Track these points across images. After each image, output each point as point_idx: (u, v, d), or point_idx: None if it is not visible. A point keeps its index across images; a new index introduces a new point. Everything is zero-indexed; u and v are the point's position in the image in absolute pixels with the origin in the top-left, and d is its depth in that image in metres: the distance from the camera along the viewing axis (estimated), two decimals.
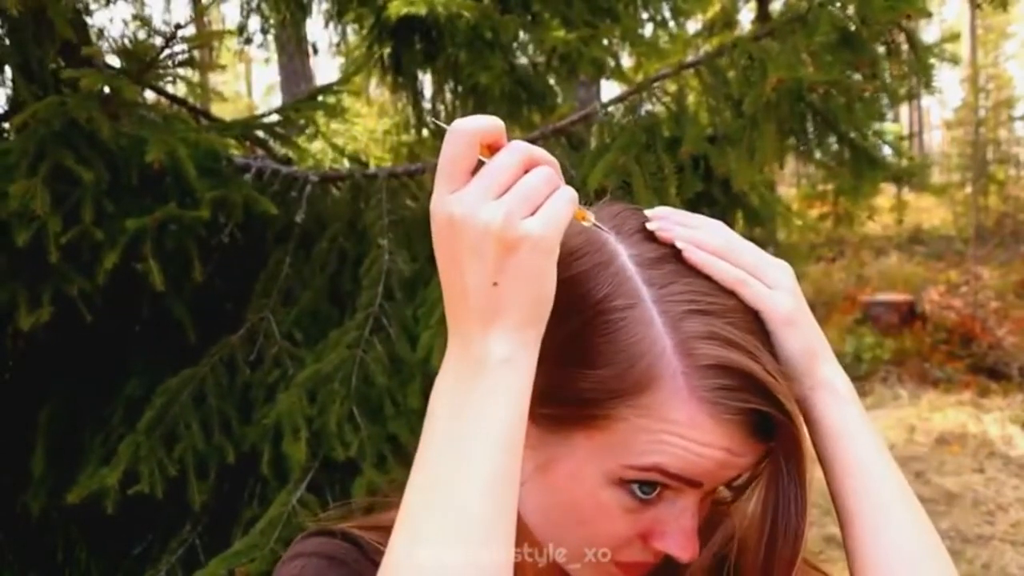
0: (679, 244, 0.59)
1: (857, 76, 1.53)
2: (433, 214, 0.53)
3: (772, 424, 0.56)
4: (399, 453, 1.53)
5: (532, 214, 0.52)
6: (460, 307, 0.53)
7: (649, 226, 0.60)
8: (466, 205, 0.51)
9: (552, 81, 2.95)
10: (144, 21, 1.89)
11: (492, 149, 0.54)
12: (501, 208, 0.51)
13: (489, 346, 0.52)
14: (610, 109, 1.80)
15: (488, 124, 0.53)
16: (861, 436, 0.62)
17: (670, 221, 0.61)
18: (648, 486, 0.56)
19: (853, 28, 1.49)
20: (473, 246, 0.51)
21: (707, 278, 0.58)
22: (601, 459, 0.56)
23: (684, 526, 0.58)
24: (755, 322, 0.59)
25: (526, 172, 0.53)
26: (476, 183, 0.52)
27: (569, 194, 0.54)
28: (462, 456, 0.51)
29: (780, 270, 0.62)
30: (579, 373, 0.56)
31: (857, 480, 0.61)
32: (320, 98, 2.12)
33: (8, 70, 1.82)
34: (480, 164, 0.53)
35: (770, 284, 0.60)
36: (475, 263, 0.51)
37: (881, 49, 1.54)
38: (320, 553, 0.64)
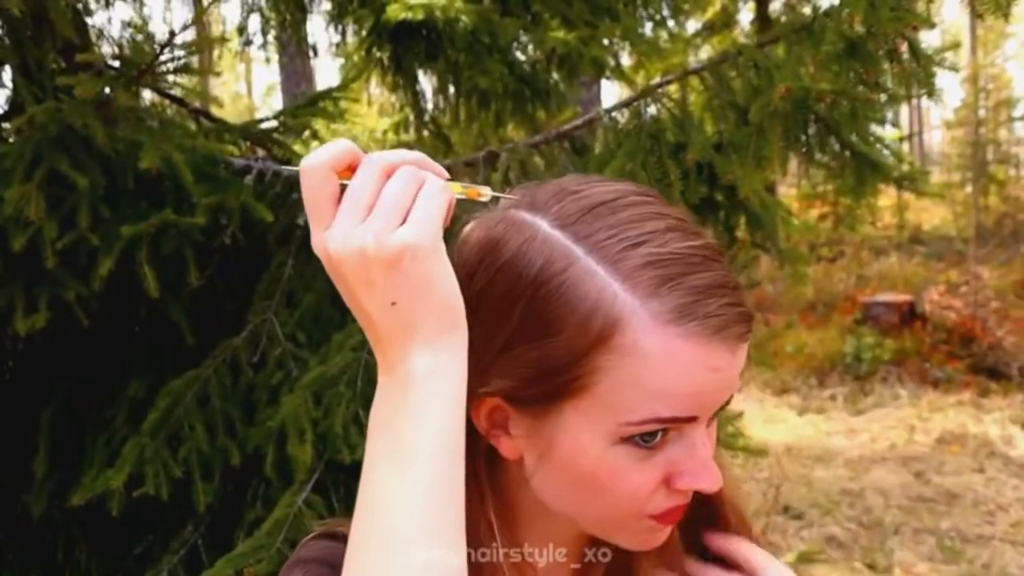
0: None
1: (861, 86, 1.53)
2: (318, 254, 0.53)
3: (739, 322, 0.56)
4: None
5: (404, 222, 0.51)
6: (372, 334, 0.53)
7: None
8: (337, 238, 0.51)
9: (552, 79, 2.95)
10: (139, 28, 1.89)
11: (352, 169, 0.53)
12: (368, 231, 0.50)
13: (410, 363, 0.52)
14: (614, 114, 1.80)
15: (337, 150, 0.53)
16: None
17: None
18: (649, 435, 0.56)
19: (859, 38, 1.49)
20: (357, 275, 0.51)
21: (630, 210, 0.57)
22: (596, 423, 0.56)
23: (700, 458, 0.58)
24: (689, 238, 0.57)
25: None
26: (341, 213, 0.52)
27: (436, 186, 0.53)
28: (401, 471, 0.51)
29: None
30: (545, 345, 0.56)
31: None
32: (319, 104, 2.12)
33: (7, 71, 1.82)
34: (344, 189, 0.52)
35: None
36: (366, 290, 0.51)
37: (884, 57, 1.54)
38: (321, 560, 0.64)
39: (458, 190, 0.56)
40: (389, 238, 0.50)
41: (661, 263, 0.55)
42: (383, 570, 0.49)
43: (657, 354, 0.54)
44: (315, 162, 0.52)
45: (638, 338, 0.54)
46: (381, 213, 0.51)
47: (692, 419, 0.57)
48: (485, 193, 0.58)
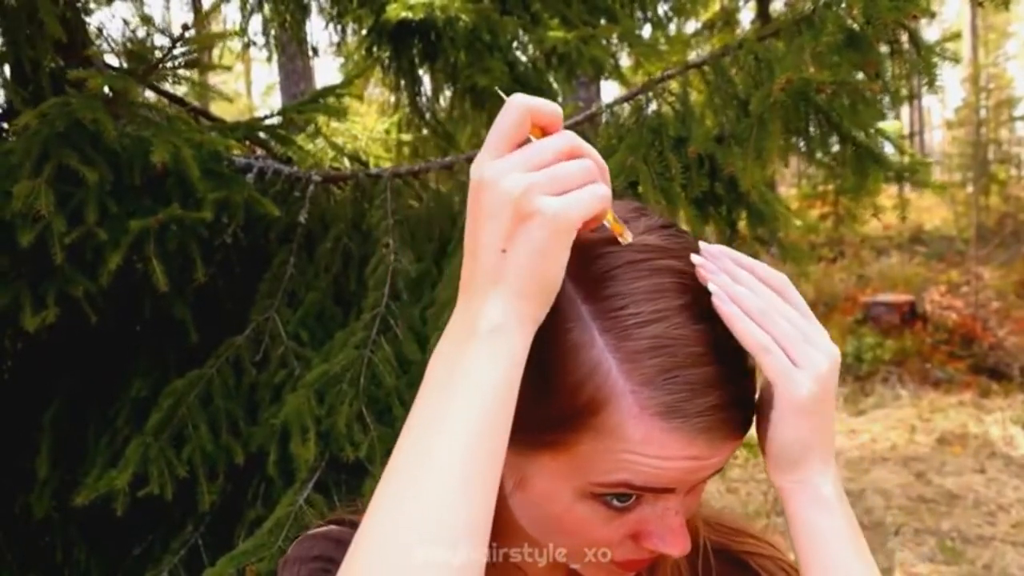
0: (711, 288, 0.56)
1: (861, 76, 1.53)
2: (471, 175, 0.54)
3: (729, 422, 0.55)
4: None
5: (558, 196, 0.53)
6: (469, 268, 0.54)
7: (694, 259, 0.58)
8: (497, 171, 0.52)
9: (551, 79, 2.96)
10: (147, 20, 1.88)
11: (544, 133, 0.55)
12: (525, 180, 0.51)
13: (485, 311, 0.53)
14: (615, 109, 1.80)
15: (544, 105, 0.54)
16: (838, 544, 0.58)
17: (719, 262, 0.58)
18: (622, 497, 0.56)
19: (859, 28, 1.49)
20: (492, 209, 0.52)
21: (653, 278, 0.56)
22: (569, 478, 0.56)
23: (670, 524, 0.58)
24: (705, 319, 0.56)
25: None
26: (515, 155, 0.53)
27: (601, 191, 0.54)
28: (444, 416, 0.52)
29: (818, 349, 0.57)
30: (533, 402, 0.56)
31: None
32: (322, 101, 2.11)
33: (6, 70, 1.81)
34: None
35: (797, 360, 0.56)
36: (490, 226, 0.52)
37: (885, 49, 1.54)
38: (322, 557, 0.65)
39: (609, 217, 0.57)
40: (536, 196, 0.51)
41: (664, 350, 0.54)
42: (417, 488, 0.50)
43: (638, 440, 0.54)
44: (522, 101, 0.53)
45: (622, 421, 0.54)
46: (547, 175, 0.52)
47: (668, 491, 0.57)
48: (627, 238, 0.57)
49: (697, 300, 0.56)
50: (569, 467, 0.56)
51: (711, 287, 0.56)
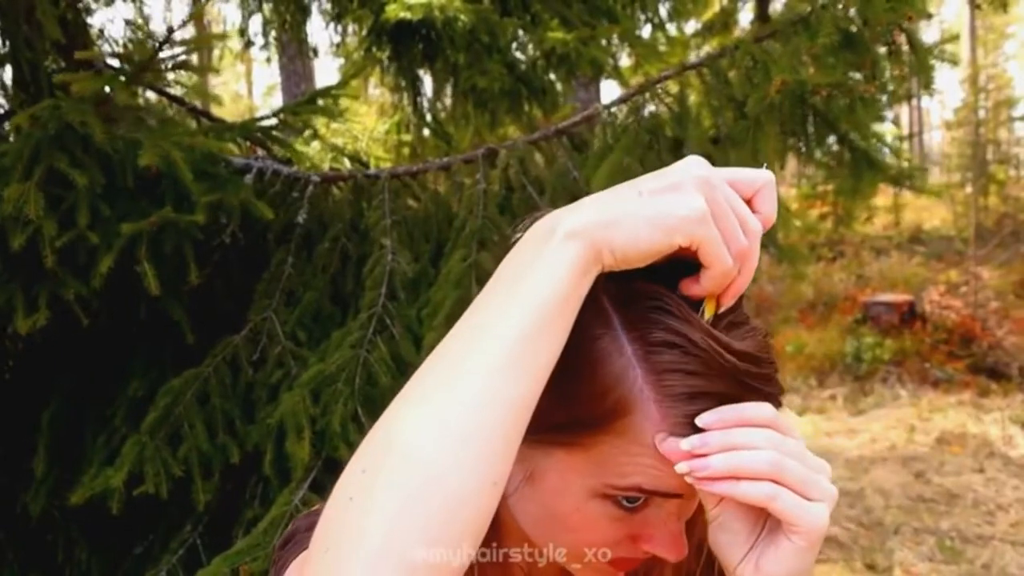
0: (694, 483, 0.55)
1: (858, 77, 1.53)
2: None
3: None
4: None
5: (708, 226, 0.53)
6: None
7: (679, 468, 0.55)
8: (709, 168, 0.55)
9: (551, 78, 2.96)
10: (139, 26, 1.88)
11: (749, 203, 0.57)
12: (713, 184, 0.54)
13: (575, 216, 0.53)
14: (613, 110, 1.80)
15: (771, 200, 0.57)
16: None
17: (708, 441, 0.55)
18: (632, 498, 0.57)
19: (855, 30, 1.49)
20: (671, 170, 0.54)
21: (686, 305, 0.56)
22: (583, 476, 0.57)
23: (671, 530, 0.59)
24: (733, 341, 0.56)
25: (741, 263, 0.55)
26: (728, 187, 0.55)
27: (728, 263, 0.54)
28: (493, 314, 0.53)
29: (823, 472, 0.56)
30: (556, 401, 0.56)
31: None
32: (318, 102, 2.12)
33: (7, 71, 1.82)
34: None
35: (812, 494, 0.55)
36: (656, 176, 0.54)
37: (882, 50, 1.54)
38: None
39: (711, 307, 0.57)
40: (701, 196, 0.53)
41: (689, 372, 0.54)
42: (461, 374, 0.51)
43: (657, 447, 0.55)
44: (772, 182, 0.58)
45: (644, 429, 0.55)
46: (725, 208, 0.54)
47: (677, 496, 0.57)
48: (707, 315, 0.57)
49: (729, 321, 0.57)
50: (585, 465, 0.57)
51: (692, 481, 0.55)
